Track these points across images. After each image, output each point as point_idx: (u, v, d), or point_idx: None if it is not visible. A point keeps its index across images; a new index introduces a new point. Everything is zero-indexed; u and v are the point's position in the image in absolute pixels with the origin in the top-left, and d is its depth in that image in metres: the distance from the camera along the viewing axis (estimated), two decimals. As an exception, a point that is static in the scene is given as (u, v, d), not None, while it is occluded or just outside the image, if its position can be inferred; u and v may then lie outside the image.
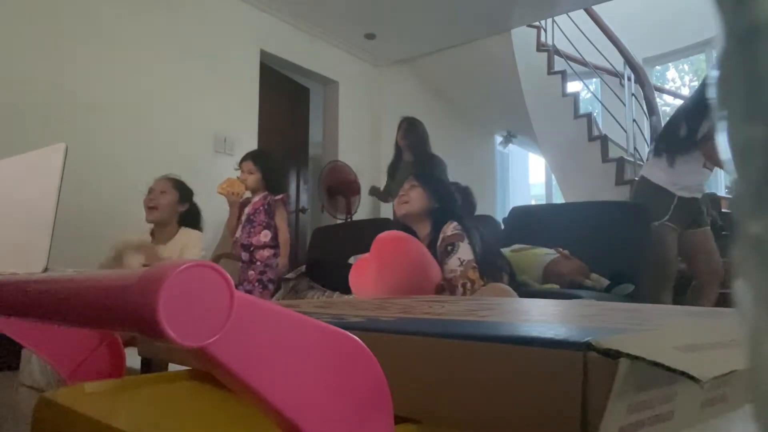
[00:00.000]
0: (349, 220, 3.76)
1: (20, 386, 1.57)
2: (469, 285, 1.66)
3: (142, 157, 2.81)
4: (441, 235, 1.76)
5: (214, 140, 3.27)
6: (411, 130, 3.12)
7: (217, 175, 2.97)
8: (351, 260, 2.80)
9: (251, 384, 0.26)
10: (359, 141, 4.21)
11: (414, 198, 1.88)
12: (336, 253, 2.87)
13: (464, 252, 1.70)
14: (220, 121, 3.31)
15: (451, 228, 1.76)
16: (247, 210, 2.61)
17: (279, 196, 2.59)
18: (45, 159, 0.98)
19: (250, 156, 2.63)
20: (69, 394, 0.55)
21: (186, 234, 2.39)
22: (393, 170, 3.23)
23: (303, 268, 2.66)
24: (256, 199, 2.61)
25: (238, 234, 2.62)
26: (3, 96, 2.43)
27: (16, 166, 1.07)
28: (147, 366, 0.80)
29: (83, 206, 2.48)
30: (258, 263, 2.56)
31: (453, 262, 1.69)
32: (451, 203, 1.92)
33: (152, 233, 2.38)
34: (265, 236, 2.58)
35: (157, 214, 2.32)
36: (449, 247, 1.71)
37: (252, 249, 2.57)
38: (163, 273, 0.23)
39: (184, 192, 2.41)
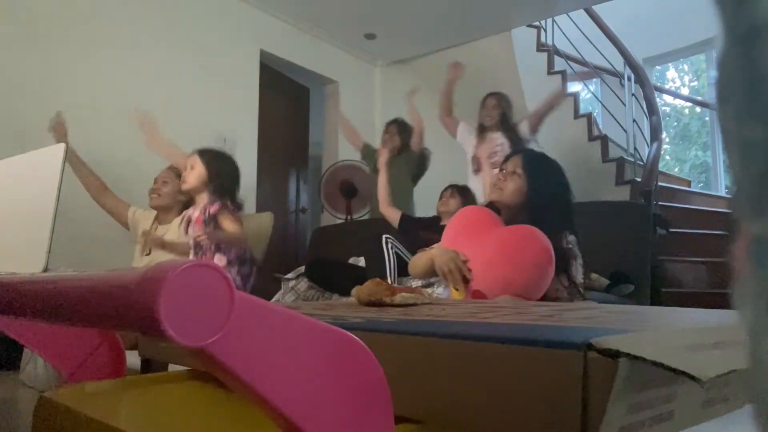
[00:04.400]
0: (349, 220, 3.75)
1: (20, 386, 1.57)
2: None
3: (141, 157, 2.80)
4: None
5: (213, 140, 3.26)
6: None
7: (217, 175, 2.96)
8: (351, 261, 2.79)
9: (251, 384, 0.26)
10: (359, 141, 4.19)
11: (509, 191, 1.51)
12: (336, 254, 2.86)
13: (576, 273, 1.43)
14: (220, 121, 3.30)
15: (566, 242, 1.45)
16: (190, 231, 2.12)
17: (216, 205, 2.08)
18: (45, 159, 0.98)
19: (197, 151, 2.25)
20: (69, 394, 0.55)
21: None
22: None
23: (302, 268, 2.65)
24: (197, 213, 2.12)
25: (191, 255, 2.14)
26: (3, 96, 2.43)
27: (16, 166, 1.06)
28: (147, 366, 0.80)
29: (83, 206, 2.48)
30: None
31: (562, 280, 1.41)
32: (568, 210, 1.54)
33: (157, 218, 2.43)
34: (220, 261, 2.06)
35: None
36: (561, 263, 1.39)
37: None
38: (164, 273, 0.23)
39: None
